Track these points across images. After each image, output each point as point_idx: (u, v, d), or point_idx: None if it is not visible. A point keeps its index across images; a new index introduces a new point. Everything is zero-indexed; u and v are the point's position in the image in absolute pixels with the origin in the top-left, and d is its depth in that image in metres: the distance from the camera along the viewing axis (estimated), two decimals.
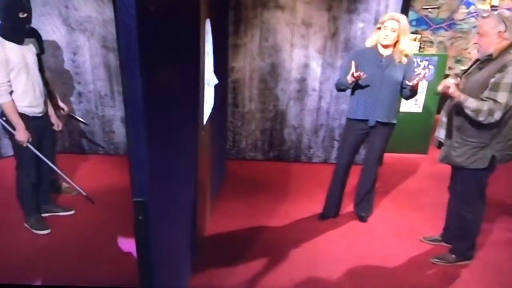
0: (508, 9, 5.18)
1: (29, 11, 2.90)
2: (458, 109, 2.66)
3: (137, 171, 1.64)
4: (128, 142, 1.61)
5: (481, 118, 2.51)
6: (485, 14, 2.57)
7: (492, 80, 2.45)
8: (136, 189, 1.67)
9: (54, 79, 4.46)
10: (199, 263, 2.89)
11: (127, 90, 1.50)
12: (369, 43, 3.14)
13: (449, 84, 2.61)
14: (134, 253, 1.84)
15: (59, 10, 4.27)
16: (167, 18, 1.80)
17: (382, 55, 3.07)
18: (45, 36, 4.26)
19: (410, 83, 2.92)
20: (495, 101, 2.46)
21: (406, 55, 3.07)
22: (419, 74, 2.92)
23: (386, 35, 2.99)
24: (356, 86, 3.13)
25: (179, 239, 2.47)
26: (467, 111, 2.56)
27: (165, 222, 2.07)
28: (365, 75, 2.98)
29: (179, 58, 2.08)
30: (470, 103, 2.54)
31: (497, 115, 2.47)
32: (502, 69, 2.43)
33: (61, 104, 3.51)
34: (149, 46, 1.54)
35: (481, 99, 2.51)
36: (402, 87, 3.10)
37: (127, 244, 3.03)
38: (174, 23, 1.93)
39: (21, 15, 2.84)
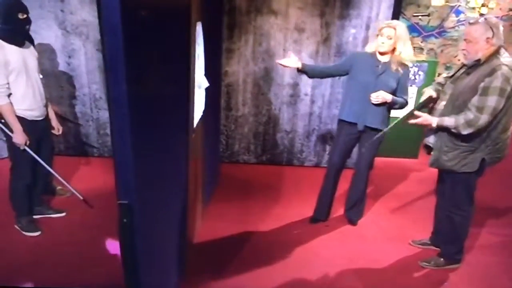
0: (496, 17, 5.30)
1: (28, 12, 2.87)
2: (447, 114, 2.70)
3: (122, 173, 1.62)
4: (112, 144, 1.60)
5: (465, 132, 2.57)
6: (472, 21, 2.62)
7: (482, 84, 2.50)
8: (121, 191, 1.65)
9: (50, 81, 4.50)
10: (190, 266, 2.89)
11: (111, 91, 1.48)
12: (369, 48, 3.17)
13: (420, 120, 2.76)
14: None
15: (55, 14, 4.30)
16: (155, 18, 1.78)
17: (379, 61, 3.11)
18: (40, 39, 4.31)
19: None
20: (477, 108, 2.51)
21: (404, 65, 3.11)
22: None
23: (383, 42, 3.03)
24: (350, 88, 3.17)
25: (167, 242, 2.44)
26: (452, 130, 2.63)
27: (152, 225, 2.04)
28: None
29: (167, 60, 2.06)
30: (448, 122, 2.63)
31: (483, 121, 2.51)
32: (491, 73, 2.47)
33: (53, 107, 3.46)
34: (135, 46, 1.51)
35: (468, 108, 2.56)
36: (395, 95, 3.14)
37: (118, 247, 3.04)
38: (163, 24, 1.90)
39: (20, 16, 2.82)
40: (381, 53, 3.09)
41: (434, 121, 2.71)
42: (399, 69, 3.10)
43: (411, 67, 4.71)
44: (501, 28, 2.55)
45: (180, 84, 2.41)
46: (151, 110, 1.84)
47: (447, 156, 2.72)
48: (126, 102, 1.48)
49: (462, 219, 2.90)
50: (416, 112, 2.79)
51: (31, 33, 3.11)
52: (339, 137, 3.38)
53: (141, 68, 1.65)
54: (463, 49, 2.72)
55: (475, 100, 2.52)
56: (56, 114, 3.58)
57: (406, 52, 3.06)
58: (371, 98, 3.06)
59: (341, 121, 3.32)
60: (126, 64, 1.42)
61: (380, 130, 3.20)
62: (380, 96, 3.04)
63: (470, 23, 2.63)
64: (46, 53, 4.40)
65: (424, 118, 2.75)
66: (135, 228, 1.72)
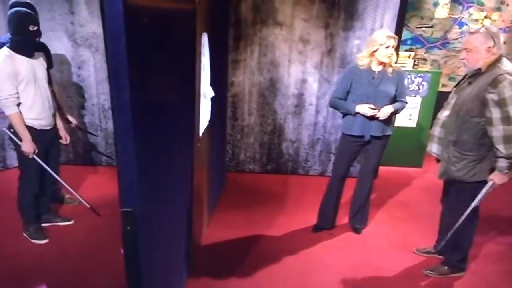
0: (500, 29, 5.35)
1: (38, 24, 2.95)
2: (452, 124, 2.70)
3: (125, 181, 1.62)
4: (116, 152, 1.59)
5: None
6: (472, 30, 2.61)
7: (494, 98, 2.45)
8: (124, 199, 1.65)
9: (60, 92, 4.60)
10: (195, 273, 2.93)
11: (115, 99, 1.48)
12: (364, 64, 3.16)
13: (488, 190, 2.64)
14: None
15: (65, 26, 4.41)
16: (160, 28, 1.78)
17: (374, 71, 3.16)
18: (51, 50, 4.41)
19: None
20: (504, 120, 2.45)
21: (396, 69, 3.21)
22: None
23: (391, 54, 3.08)
24: (352, 102, 3.21)
25: (172, 250, 2.44)
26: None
27: (156, 233, 2.03)
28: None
29: (172, 69, 2.07)
30: (502, 163, 2.54)
31: None
32: (494, 82, 2.44)
33: (70, 118, 3.53)
34: (138, 55, 1.52)
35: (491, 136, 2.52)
36: (395, 100, 3.21)
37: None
38: (167, 34, 1.91)
39: (31, 28, 2.88)
40: (382, 64, 3.13)
41: (501, 178, 2.59)
42: (394, 74, 3.17)
43: (415, 78, 4.79)
44: (502, 38, 2.55)
45: (185, 93, 2.43)
46: (155, 118, 1.85)
47: (456, 166, 2.70)
48: (129, 110, 1.49)
49: (466, 228, 2.90)
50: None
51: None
52: (343, 149, 3.39)
53: (145, 76, 1.66)
54: (462, 59, 2.71)
55: (497, 115, 2.47)
56: (76, 126, 3.67)
57: (395, 57, 3.18)
58: (377, 116, 3.13)
59: (345, 135, 3.34)
60: (129, 72, 1.43)
61: (386, 136, 3.27)
62: (384, 112, 3.11)
63: (470, 32, 2.62)
64: (56, 64, 4.48)
65: (490, 185, 2.63)
66: (138, 236, 1.73)
